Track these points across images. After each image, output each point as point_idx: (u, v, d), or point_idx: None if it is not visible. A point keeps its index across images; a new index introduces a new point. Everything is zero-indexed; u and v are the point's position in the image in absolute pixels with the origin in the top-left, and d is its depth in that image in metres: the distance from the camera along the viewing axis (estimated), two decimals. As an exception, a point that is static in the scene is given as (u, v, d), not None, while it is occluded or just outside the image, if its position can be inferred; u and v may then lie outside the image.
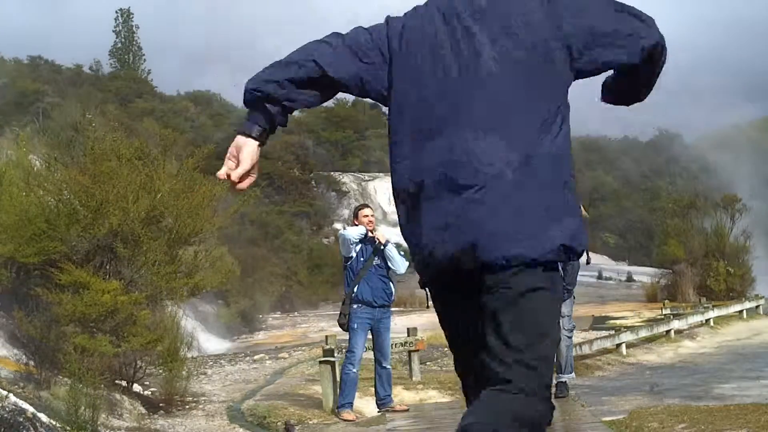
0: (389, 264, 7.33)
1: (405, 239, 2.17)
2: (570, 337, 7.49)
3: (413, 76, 2.12)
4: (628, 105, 2.38)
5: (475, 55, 2.05)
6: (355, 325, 7.27)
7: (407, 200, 2.13)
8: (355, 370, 7.35)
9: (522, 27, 2.05)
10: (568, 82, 2.10)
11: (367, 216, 7.46)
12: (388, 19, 2.23)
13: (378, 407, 7.61)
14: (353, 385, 7.41)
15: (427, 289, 2.22)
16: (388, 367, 7.56)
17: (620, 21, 2.07)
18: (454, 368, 2.30)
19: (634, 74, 2.18)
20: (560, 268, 2.08)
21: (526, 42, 2.03)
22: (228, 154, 2.20)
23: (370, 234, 7.29)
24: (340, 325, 7.46)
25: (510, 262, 1.96)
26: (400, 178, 2.14)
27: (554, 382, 7.56)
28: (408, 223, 2.14)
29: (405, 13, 2.23)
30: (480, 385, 2.00)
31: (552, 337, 2.04)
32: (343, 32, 2.22)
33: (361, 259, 7.26)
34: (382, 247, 7.28)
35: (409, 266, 7.48)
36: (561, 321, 7.30)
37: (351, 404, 7.42)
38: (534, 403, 1.95)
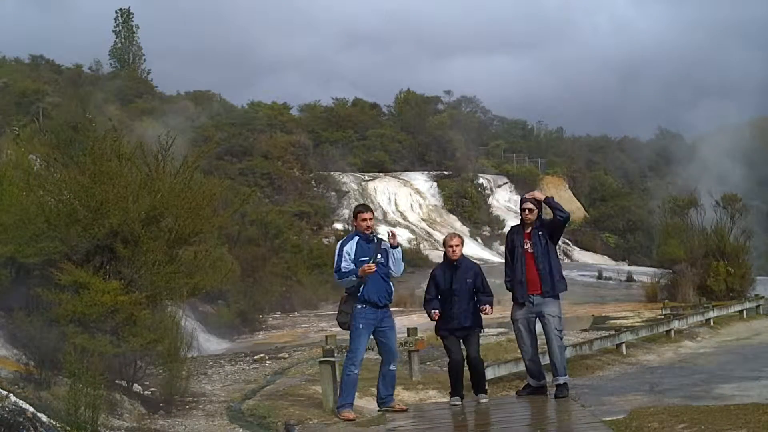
0: (391, 265, 7.27)
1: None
2: (560, 338, 7.30)
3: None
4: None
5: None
6: (360, 326, 7.20)
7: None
8: (356, 371, 7.30)
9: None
10: None
11: (366, 220, 7.31)
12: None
13: (378, 406, 7.60)
14: (353, 386, 7.38)
15: None
16: (394, 369, 7.46)
17: None
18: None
19: None
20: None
21: None
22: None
23: (389, 239, 7.23)
24: (340, 324, 7.40)
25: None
26: None
27: (552, 384, 7.53)
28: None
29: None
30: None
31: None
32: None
33: (365, 258, 7.17)
34: (394, 247, 7.20)
35: (404, 269, 7.49)
36: (551, 320, 7.20)
37: (351, 404, 7.39)
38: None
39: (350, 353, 7.33)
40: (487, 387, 8.07)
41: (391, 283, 7.40)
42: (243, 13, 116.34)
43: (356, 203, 51.97)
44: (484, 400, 7.52)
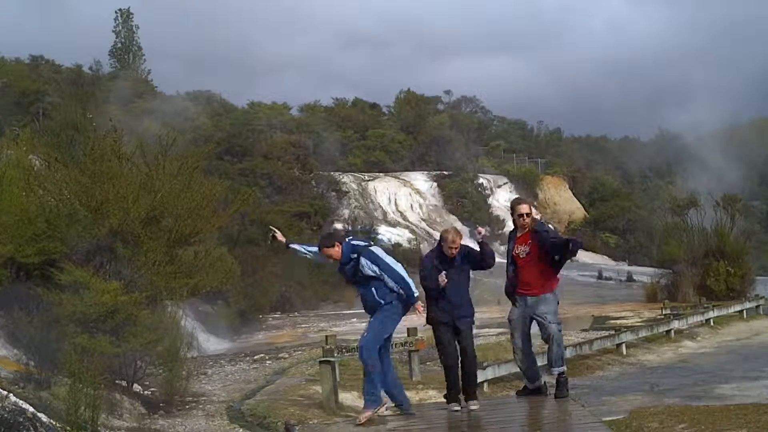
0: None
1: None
2: (558, 330, 7.13)
3: None
4: None
5: None
6: None
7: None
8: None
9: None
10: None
11: (331, 256, 7.06)
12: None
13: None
14: (370, 381, 6.99)
15: None
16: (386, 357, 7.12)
17: None
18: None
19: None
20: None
21: None
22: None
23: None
24: None
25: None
26: None
27: (550, 373, 7.47)
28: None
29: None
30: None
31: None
32: None
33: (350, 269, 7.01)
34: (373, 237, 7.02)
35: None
36: (546, 316, 7.14)
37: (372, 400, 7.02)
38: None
39: None
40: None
41: (375, 293, 7.01)
42: (243, 13, 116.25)
43: (356, 203, 51.14)
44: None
